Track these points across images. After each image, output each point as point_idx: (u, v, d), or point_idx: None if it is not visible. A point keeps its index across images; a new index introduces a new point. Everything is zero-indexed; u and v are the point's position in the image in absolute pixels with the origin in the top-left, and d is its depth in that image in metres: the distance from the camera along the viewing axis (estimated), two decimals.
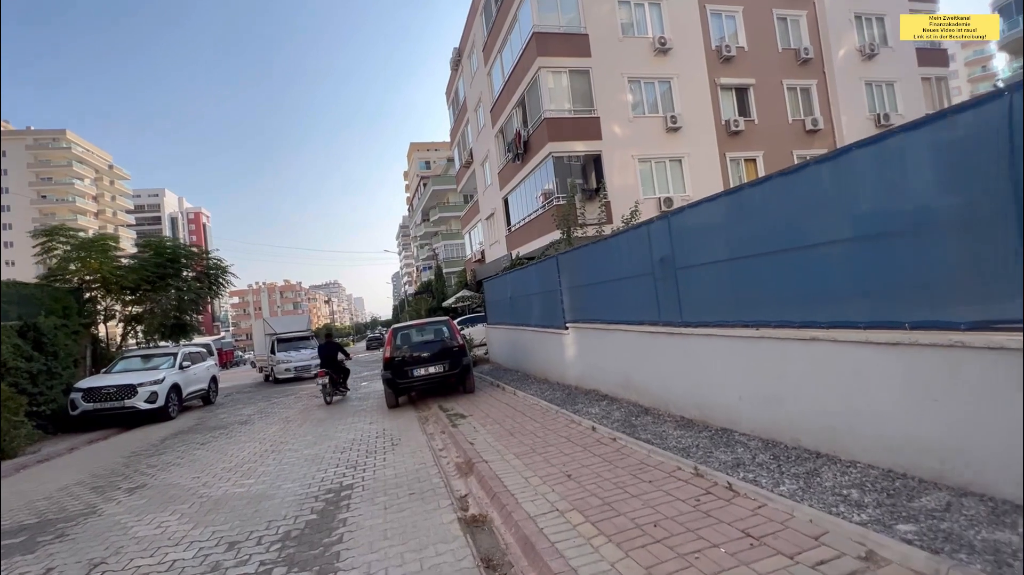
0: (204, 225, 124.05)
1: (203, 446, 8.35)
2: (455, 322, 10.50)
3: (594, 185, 19.36)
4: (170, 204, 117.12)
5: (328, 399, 11.53)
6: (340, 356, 12.15)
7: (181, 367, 13.13)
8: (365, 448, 6.83)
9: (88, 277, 14.39)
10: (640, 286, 6.34)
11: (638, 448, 4.85)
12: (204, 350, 15.23)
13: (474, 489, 4.66)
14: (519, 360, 11.96)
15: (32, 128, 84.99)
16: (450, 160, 65.62)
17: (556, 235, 17.46)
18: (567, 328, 8.81)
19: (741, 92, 21.79)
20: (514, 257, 24.48)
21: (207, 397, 14.70)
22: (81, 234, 14.44)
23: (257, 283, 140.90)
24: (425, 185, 60.78)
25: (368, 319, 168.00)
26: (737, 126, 20.82)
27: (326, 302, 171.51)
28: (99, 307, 14.93)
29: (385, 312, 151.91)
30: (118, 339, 15.37)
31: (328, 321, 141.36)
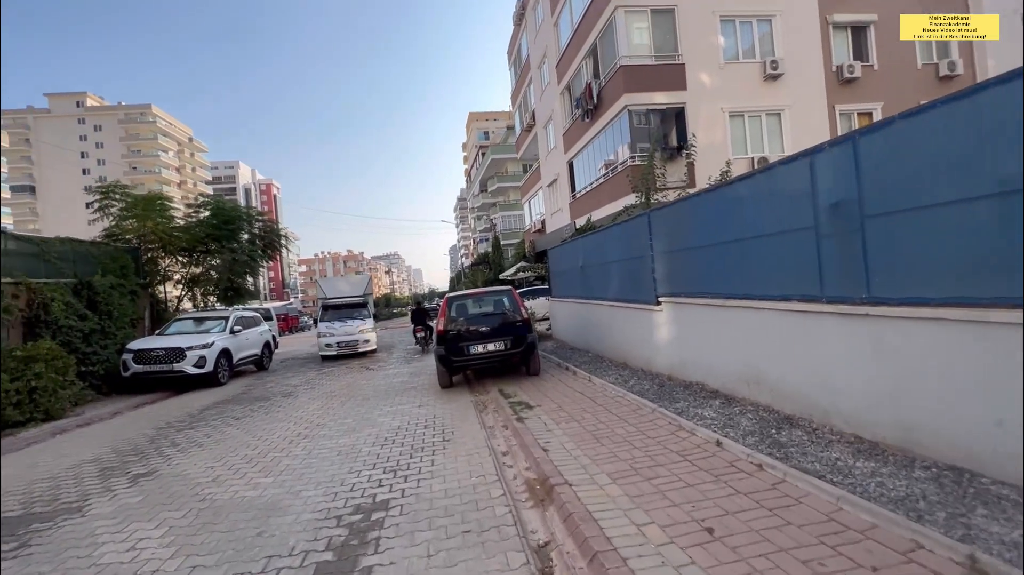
0: (275, 196, 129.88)
1: (237, 421, 7.46)
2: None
3: (675, 143, 16.99)
4: (244, 176, 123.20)
5: (424, 348, 15.70)
6: (429, 320, 15.66)
7: (232, 331, 12.59)
8: (410, 442, 5.54)
9: (146, 237, 14.13)
10: (786, 247, 4.49)
11: (811, 489, 3.14)
12: (258, 315, 14.74)
13: (558, 533, 3.16)
14: (590, 339, 10.32)
15: (123, 103, 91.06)
16: (510, 128, 63.71)
17: (629, 199, 15.45)
18: (659, 303, 7.06)
19: (858, 32, 18.31)
20: (578, 226, 22.63)
21: (260, 362, 14.24)
22: (135, 191, 14.13)
23: (322, 252, 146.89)
24: (483, 154, 59.38)
25: (426, 290, 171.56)
26: (852, 72, 17.52)
27: (386, 272, 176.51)
28: (158, 268, 14.74)
29: (442, 284, 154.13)
30: (176, 302, 15.20)
31: (388, 291, 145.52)
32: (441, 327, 8.13)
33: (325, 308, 16.83)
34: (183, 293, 15.43)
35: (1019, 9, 19.27)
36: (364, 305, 17.10)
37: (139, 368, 10.76)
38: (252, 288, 16.52)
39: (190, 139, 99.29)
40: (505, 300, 8.88)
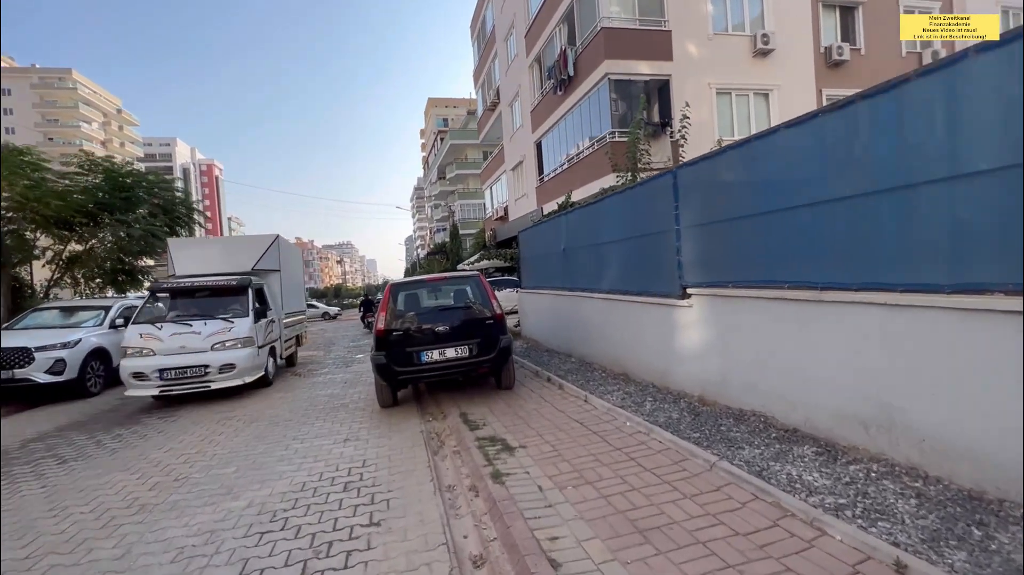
0: (216, 177, 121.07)
1: (59, 466, 4.91)
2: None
3: (659, 119, 15.25)
4: (182, 154, 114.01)
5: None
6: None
7: (114, 326, 9.74)
8: (313, 524, 3.29)
9: (7, 202, 10.93)
10: (942, 202, 2.57)
11: None
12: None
13: None
14: (572, 340, 8.31)
15: (37, 66, 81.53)
16: (471, 113, 61.17)
17: (608, 180, 13.59)
18: (686, 296, 5.10)
19: (847, 12, 17.22)
20: (544, 212, 20.68)
21: None
22: None
23: None
24: (442, 140, 56.61)
25: (380, 281, 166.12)
26: (840, 55, 16.37)
27: (339, 262, 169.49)
28: (25, 244, 11.56)
29: (398, 275, 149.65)
30: (46, 286, 11.97)
31: (339, 281, 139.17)
32: (382, 326, 5.83)
33: (176, 294, 8.47)
34: (55, 275, 12.19)
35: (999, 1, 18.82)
36: (243, 292, 8.36)
37: None
38: (144, 273, 13.35)
39: (118, 111, 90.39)
40: (470, 290, 6.70)
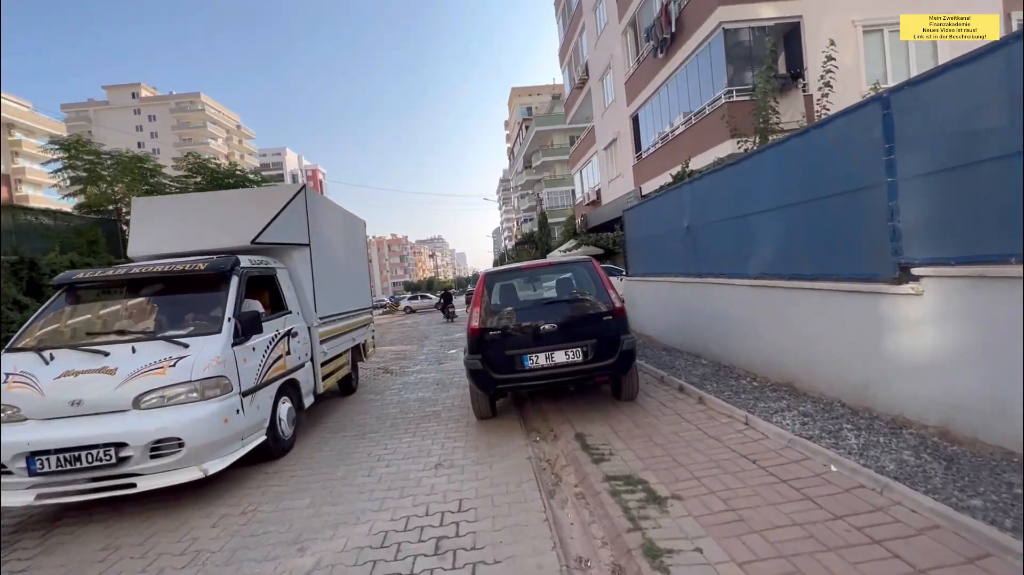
0: (320, 181, 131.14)
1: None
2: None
3: (787, 71, 12.81)
4: (291, 162, 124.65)
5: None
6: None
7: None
8: None
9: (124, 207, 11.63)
10: None
11: None
12: None
13: None
14: (701, 336, 6.78)
15: (173, 93, 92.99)
16: (555, 98, 59.56)
17: (726, 148, 11.61)
18: (908, 278, 3.48)
19: None
20: (643, 193, 18.81)
21: None
22: (105, 149, 11.56)
23: (367, 237, 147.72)
24: (527, 128, 55.73)
25: (470, 273, 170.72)
26: None
27: (430, 256, 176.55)
28: None
29: (486, 267, 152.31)
30: None
31: (432, 275, 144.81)
32: (476, 323, 4.82)
33: (77, 295, 4.86)
34: None
35: None
36: (218, 284, 4.57)
37: None
38: None
39: (238, 126, 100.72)
40: (580, 278, 5.45)
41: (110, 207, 11.45)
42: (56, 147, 10.76)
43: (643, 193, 18.64)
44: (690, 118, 14.43)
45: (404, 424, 5.61)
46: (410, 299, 43.13)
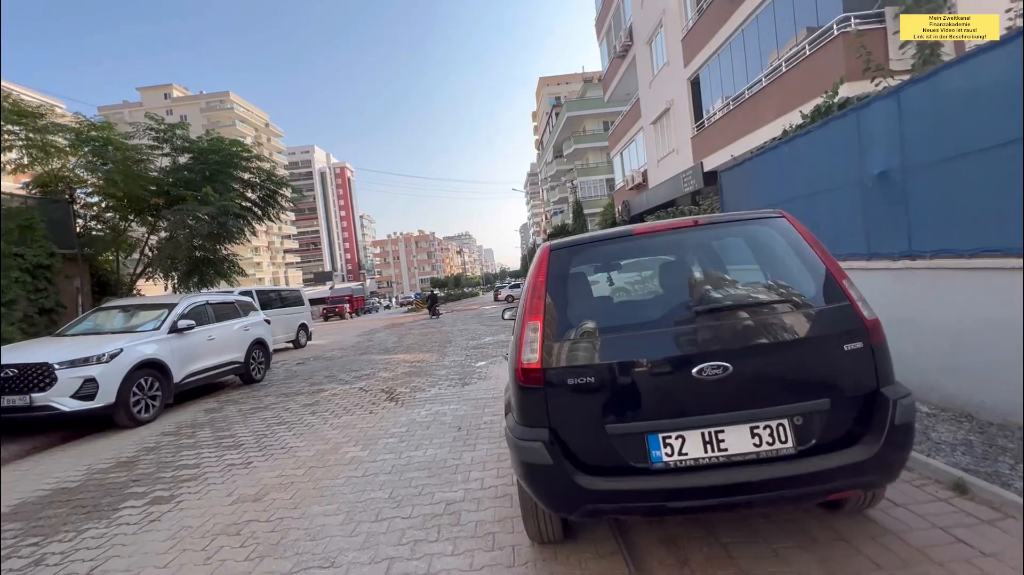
0: (348, 179, 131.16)
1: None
2: None
3: None
4: (319, 160, 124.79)
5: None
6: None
7: (176, 329, 7.52)
8: None
9: (90, 185, 9.45)
10: None
11: None
12: (237, 302, 9.61)
13: None
14: (936, 368, 3.88)
15: (203, 92, 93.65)
16: (587, 81, 56.33)
17: (843, 93, 8.56)
18: None
19: None
20: (705, 168, 15.79)
21: (247, 372, 9.24)
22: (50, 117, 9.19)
23: (395, 233, 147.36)
24: (557, 115, 52.80)
25: (497, 270, 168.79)
26: None
27: (458, 252, 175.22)
28: (120, 232, 10.12)
29: (514, 263, 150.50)
30: (128, 280, 10.37)
31: (459, 271, 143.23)
32: (534, 358, 2.13)
33: None
34: (137, 267, 10.60)
35: None
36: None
37: None
38: (229, 263, 11.29)
39: (266, 124, 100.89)
40: (770, 254, 2.44)
41: (59, 186, 9.30)
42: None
43: (705, 168, 15.63)
44: (778, 66, 11.36)
45: (395, 529, 2.99)
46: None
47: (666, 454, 1.98)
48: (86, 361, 6.18)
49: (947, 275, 3.58)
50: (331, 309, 38.95)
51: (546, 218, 73.61)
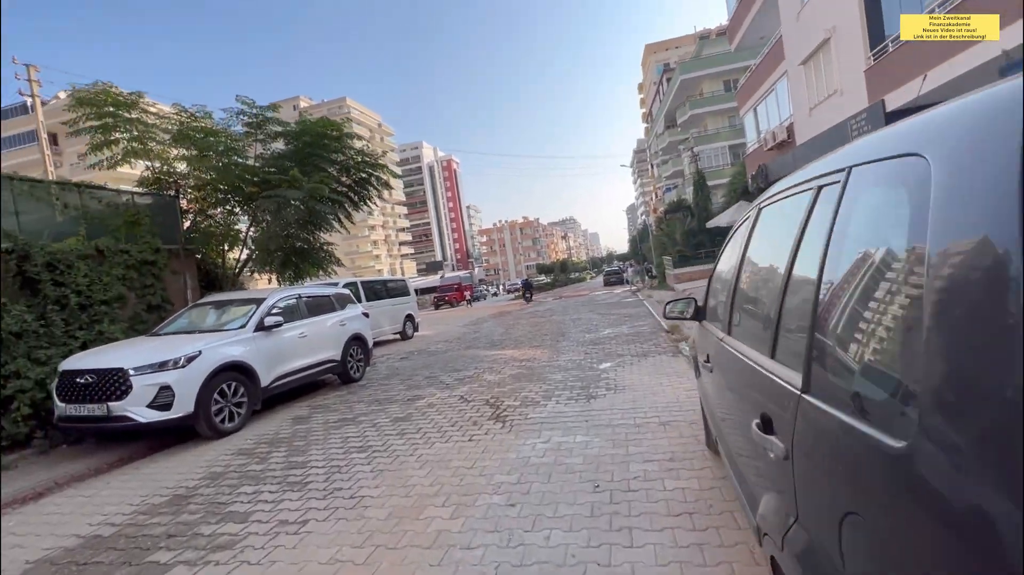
0: (455, 171, 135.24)
1: None
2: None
3: None
4: (427, 155, 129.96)
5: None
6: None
7: (264, 327, 6.74)
8: None
9: (192, 178, 9.26)
10: None
11: None
12: (333, 295, 8.78)
13: None
14: None
15: (324, 100, 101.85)
16: (703, 38, 50.60)
17: None
18: None
19: None
20: (887, 108, 12.10)
21: (345, 371, 8.42)
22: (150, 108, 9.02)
23: (500, 221, 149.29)
24: (668, 80, 48.03)
25: (604, 253, 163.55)
26: None
27: (563, 238, 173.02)
28: (227, 225, 9.95)
29: (620, 246, 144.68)
30: (232, 273, 10.11)
31: (565, 257, 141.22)
32: None
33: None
34: (239, 259, 10.31)
35: None
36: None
37: (66, 409, 5.47)
38: (326, 253, 10.62)
39: (379, 125, 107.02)
40: None
41: (170, 179, 9.17)
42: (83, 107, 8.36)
43: (887, 108, 11.94)
44: None
45: None
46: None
47: None
48: (161, 366, 5.48)
49: None
50: (441, 297, 39.46)
51: (656, 195, 68.56)
